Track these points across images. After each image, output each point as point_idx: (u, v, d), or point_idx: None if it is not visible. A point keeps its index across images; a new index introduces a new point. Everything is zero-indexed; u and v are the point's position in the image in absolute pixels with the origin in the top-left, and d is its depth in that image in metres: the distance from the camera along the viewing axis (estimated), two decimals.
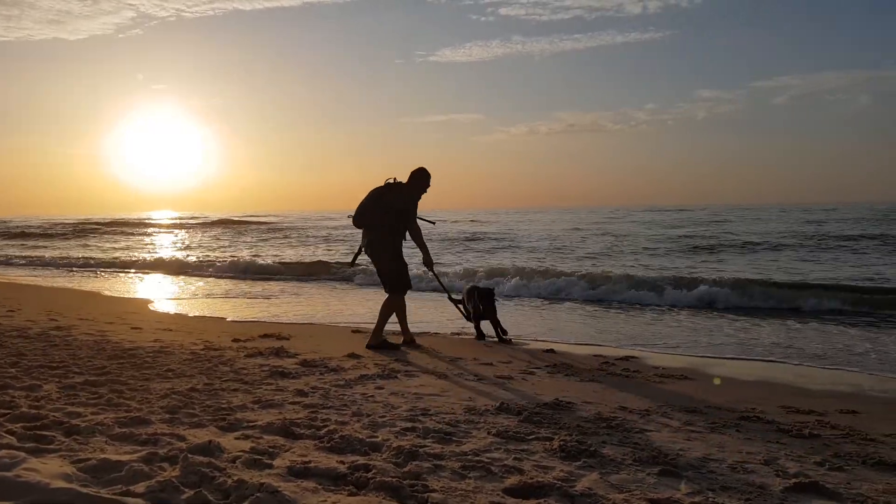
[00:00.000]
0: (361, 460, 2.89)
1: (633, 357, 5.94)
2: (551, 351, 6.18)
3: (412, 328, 6.67)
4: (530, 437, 3.38)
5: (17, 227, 51.28)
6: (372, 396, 4.23)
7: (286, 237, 34.44)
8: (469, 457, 3.01)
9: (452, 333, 7.38)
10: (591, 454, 3.10)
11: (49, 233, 42.51)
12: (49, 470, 2.45)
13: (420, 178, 6.42)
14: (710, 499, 2.59)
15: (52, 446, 2.86)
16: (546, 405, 4.05)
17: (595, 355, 6.00)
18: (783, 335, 7.30)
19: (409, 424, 3.53)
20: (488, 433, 3.43)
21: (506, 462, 2.95)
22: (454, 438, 3.32)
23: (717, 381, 3.39)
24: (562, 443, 3.23)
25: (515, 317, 8.85)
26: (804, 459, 3.13)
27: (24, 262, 22.23)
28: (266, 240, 32.78)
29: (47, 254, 25.26)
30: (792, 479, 2.81)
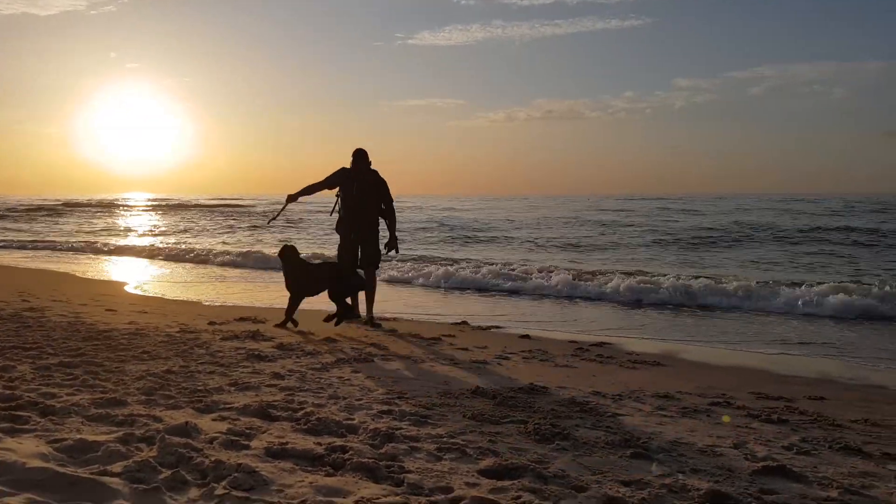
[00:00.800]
0: (338, 442, 2.91)
1: (607, 343, 6.03)
2: (527, 337, 6.25)
3: (389, 312, 6.81)
4: (505, 420, 3.43)
5: None
6: (348, 380, 4.25)
7: (257, 221, 34.14)
8: (444, 439, 3.05)
9: (428, 319, 7.41)
10: (564, 437, 3.16)
11: (18, 214, 41.66)
12: (25, 450, 2.44)
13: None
14: (680, 480, 2.66)
15: (27, 426, 2.84)
16: (521, 389, 4.11)
17: (570, 341, 6.08)
18: (758, 325, 7.47)
19: (385, 407, 3.56)
20: (463, 416, 3.47)
21: (481, 444, 3.00)
22: (430, 421, 3.36)
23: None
24: (536, 426, 3.28)
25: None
26: (772, 444, 3.22)
27: None
28: (237, 224, 32.47)
29: (17, 235, 24.76)
30: (760, 462, 2.90)
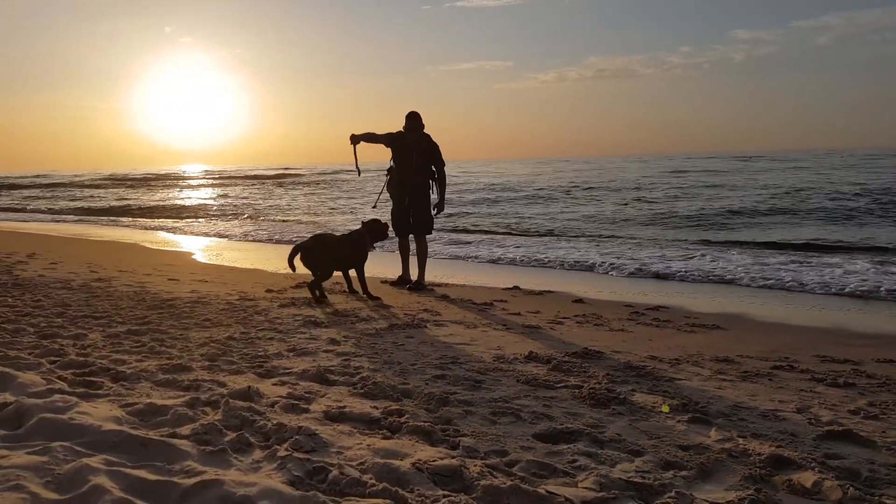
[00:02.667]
0: (394, 406, 2.97)
1: (663, 307, 5.92)
2: (580, 301, 6.18)
3: (443, 276, 6.93)
4: (559, 384, 3.43)
5: (46, 181, 52.39)
6: (402, 345, 4.31)
7: (313, 191, 34.63)
8: (499, 403, 3.07)
9: (480, 284, 7.43)
10: (620, 402, 3.13)
11: (78, 186, 43.41)
12: (100, 413, 2.57)
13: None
14: (741, 445, 2.61)
15: (101, 391, 2.99)
16: (575, 354, 4.09)
17: (625, 304, 5.99)
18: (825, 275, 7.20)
19: (439, 372, 3.60)
20: (517, 381, 3.48)
21: (535, 409, 3.01)
22: (484, 386, 3.38)
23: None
24: (591, 390, 3.26)
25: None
26: (838, 408, 3.12)
27: (52, 215, 22.79)
28: (297, 193, 33.01)
29: (79, 205, 25.86)
30: (825, 426, 2.81)
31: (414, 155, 6.90)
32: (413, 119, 6.88)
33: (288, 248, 6.30)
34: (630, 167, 47.51)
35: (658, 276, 7.94)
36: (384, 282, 7.25)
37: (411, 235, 7.12)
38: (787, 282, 7.18)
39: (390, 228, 6.79)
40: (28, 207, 27.33)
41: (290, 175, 53.02)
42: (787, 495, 2.23)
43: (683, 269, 8.11)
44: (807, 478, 2.33)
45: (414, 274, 7.09)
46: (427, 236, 7.15)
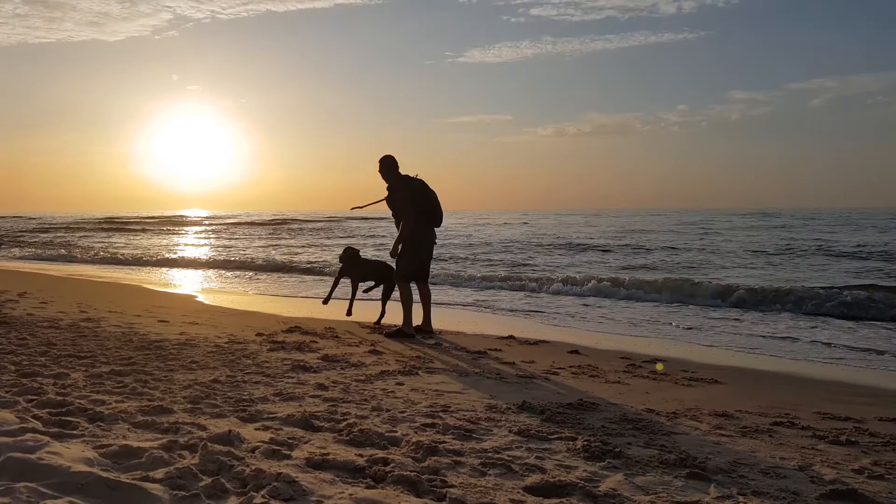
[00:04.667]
0: (380, 454, 2.85)
1: (661, 359, 5.81)
2: (576, 352, 6.08)
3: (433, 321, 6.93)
4: (553, 436, 3.31)
5: (53, 223, 52.57)
6: (392, 392, 4.20)
7: (311, 235, 34.72)
8: (489, 454, 2.95)
9: (474, 333, 7.32)
10: (615, 455, 3.02)
11: (82, 228, 43.48)
12: (71, 454, 2.45)
13: None
14: (741, 502, 2.50)
15: (75, 432, 2.87)
16: (569, 405, 3.97)
17: (621, 357, 5.89)
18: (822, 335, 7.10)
19: (428, 420, 3.48)
20: (509, 431, 3.36)
21: (527, 460, 2.89)
22: (474, 436, 3.26)
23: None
24: (585, 443, 3.15)
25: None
26: (841, 466, 3.01)
27: (54, 255, 22.72)
28: (291, 237, 33.07)
29: (80, 245, 25.81)
30: (828, 485, 2.70)
31: (433, 198, 7.04)
32: (380, 167, 7.07)
33: (283, 293, 6.22)
34: (643, 221, 47.46)
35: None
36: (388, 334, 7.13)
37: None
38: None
39: None
40: (27, 248, 27.29)
41: (287, 221, 53.20)
42: None
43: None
44: None
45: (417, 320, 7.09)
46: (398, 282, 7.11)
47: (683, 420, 3.77)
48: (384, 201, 7.11)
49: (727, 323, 8.48)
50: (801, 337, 7.37)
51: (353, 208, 7.61)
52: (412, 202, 6.88)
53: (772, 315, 9.15)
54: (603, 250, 22.29)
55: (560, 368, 5.27)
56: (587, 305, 10.30)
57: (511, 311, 9.68)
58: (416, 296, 7.04)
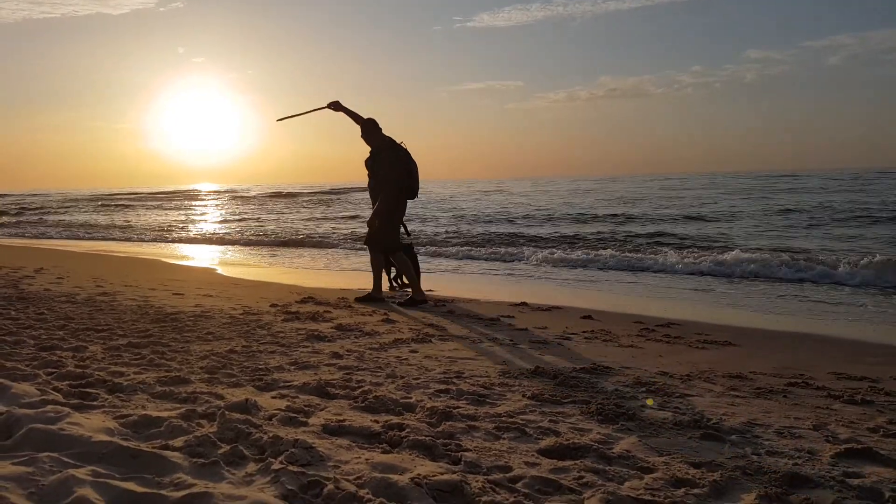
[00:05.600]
0: (395, 420, 2.88)
1: (674, 322, 5.80)
2: (589, 317, 6.08)
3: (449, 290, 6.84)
4: (566, 400, 3.33)
5: (65, 199, 52.95)
6: (406, 359, 4.22)
7: (324, 207, 34.75)
8: (503, 418, 2.97)
9: (486, 299, 7.34)
10: (629, 417, 3.03)
11: (93, 205, 43.78)
12: (92, 424, 2.50)
13: None
14: (755, 462, 2.50)
15: (95, 403, 2.92)
16: (583, 370, 3.99)
17: (635, 321, 5.88)
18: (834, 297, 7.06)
19: (442, 387, 3.51)
20: (523, 396, 3.38)
21: (541, 424, 2.91)
22: (488, 400, 3.28)
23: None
24: (599, 406, 3.16)
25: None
26: (856, 425, 3.00)
27: (67, 231, 22.93)
28: (302, 209, 33.13)
29: (94, 221, 26.02)
30: (843, 444, 2.70)
31: (413, 165, 6.89)
32: (362, 131, 6.92)
33: (293, 266, 6.25)
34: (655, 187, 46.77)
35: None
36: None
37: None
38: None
39: None
40: (39, 224, 27.54)
41: (295, 195, 53.23)
42: None
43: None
44: (825, 497, 2.22)
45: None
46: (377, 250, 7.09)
47: (697, 382, 3.77)
48: (366, 165, 6.96)
49: (743, 284, 8.44)
50: (818, 298, 7.33)
51: (279, 119, 7.52)
52: (395, 172, 6.77)
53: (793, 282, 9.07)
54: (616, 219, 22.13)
55: (573, 333, 5.27)
56: (602, 270, 10.28)
57: (527, 277, 9.69)
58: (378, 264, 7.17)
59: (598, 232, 16.76)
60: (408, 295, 7.04)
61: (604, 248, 12.55)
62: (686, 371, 4.03)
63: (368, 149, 6.95)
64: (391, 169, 6.76)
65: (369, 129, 6.87)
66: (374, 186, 6.93)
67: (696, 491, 2.25)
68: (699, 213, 21.59)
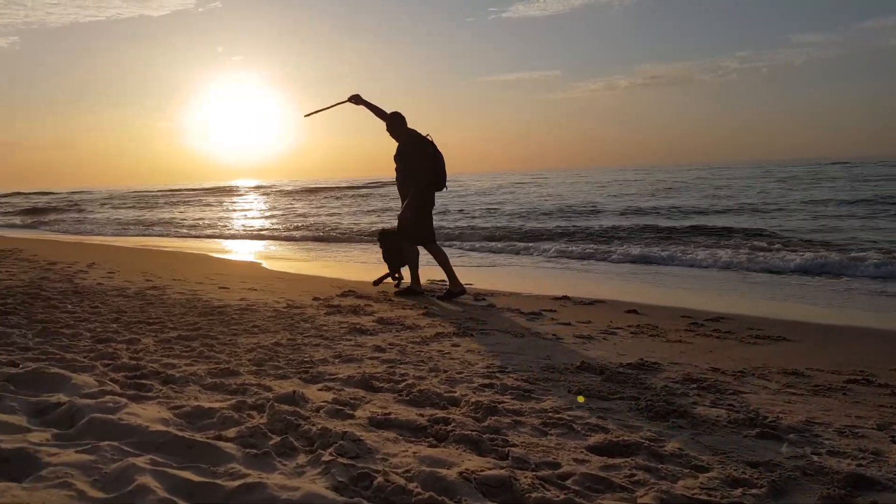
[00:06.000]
0: (440, 414, 2.87)
1: (724, 317, 5.66)
2: (633, 311, 5.98)
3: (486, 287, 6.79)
4: (614, 396, 3.27)
5: (111, 195, 54.57)
6: (448, 353, 4.22)
7: (362, 201, 35.03)
8: (549, 414, 2.94)
9: (527, 293, 7.28)
10: (680, 414, 2.96)
11: (138, 200, 45.00)
12: (148, 414, 2.56)
13: None
14: (816, 463, 2.42)
15: (150, 394, 2.99)
16: (630, 365, 3.92)
17: (682, 315, 5.76)
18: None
19: (486, 381, 3.49)
20: (569, 391, 3.34)
21: (589, 420, 2.87)
22: (533, 396, 3.25)
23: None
24: (648, 402, 3.10)
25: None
26: None
27: (114, 228, 23.62)
28: (343, 204, 33.46)
29: (140, 217, 26.76)
30: None
31: (396, 162, 6.92)
32: (388, 124, 6.89)
33: (335, 259, 6.30)
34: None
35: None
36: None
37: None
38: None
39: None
40: (87, 220, 28.44)
41: (335, 189, 53.76)
42: None
43: None
44: (893, 501, 2.13)
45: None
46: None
47: (751, 379, 3.67)
48: (395, 161, 6.94)
49: (794, 277, 8.19)
50: (876, 290, 7.07)
51: (306, 115, 7.47)
52: (422, 166, 6.75)
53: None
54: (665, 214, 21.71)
55: (618, 328, 5.19)
56: (649, 264, 10.12)
57: (567, 269, 9.59)
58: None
59: (644, 226, 16.45)
60: (444, 288, 7.03)
61: (657, 243, 12.30)
62: (739, 367, 3.92)
63: (395, 143, 6.97)
64: (419, 162, 6.74)
65: (395, 123, 6.87)
66: (403, 180, 6.91)
67: (753, 491, 2.19)
68: (752, 205, 20.96)
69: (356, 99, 6.90)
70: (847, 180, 30.86)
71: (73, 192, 78.83)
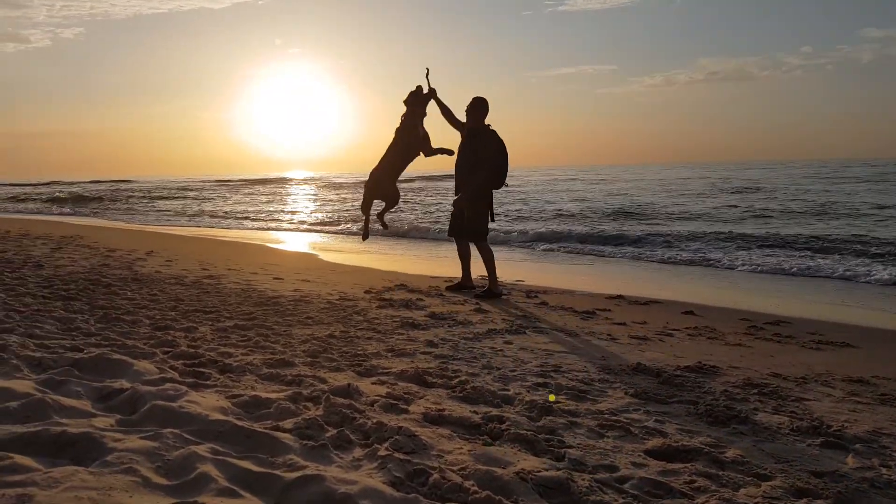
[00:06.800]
0: (494, 412, 2.86)
1: (784, 320, 5.47)
2: (690, 312, 5.83)
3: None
4: (672, 399, 3.20)
5: (177, 186, 56.30)
6: (501, 350, 4.20)
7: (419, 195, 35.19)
8: (606, 416, 2.89)
9: (581, 291, 7.18)
10: (741, 420, 2.88)
11: (194, 191, 46.28)
12: (207, 403, 2.62)
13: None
14: (885, 475, 2.31)
15: (208, 382, 3.06)
16: (688, 368, 3.82)
17: (741, 318, 5.59)
18: None
19: (540, 380, 3.45)
20: (625, 393, 3.28)
21: (646, 424, 2.81)
22: (589, 397, 3.20)
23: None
24: (708, 407, 3.02)
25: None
26: None
27: (172, 216, 24.35)
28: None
29: (196, 208, 27.53)
30: None
31: (472, 143, 6.58)
32: (476, 109, 6.60)
33: (384, 252, 6.32)
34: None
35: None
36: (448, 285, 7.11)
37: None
38: None
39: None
40: (146, 210, 29.42)
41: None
42: None
43: None
44: None
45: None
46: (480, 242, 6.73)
47: (814, 386, 3.53)
48: (452, 152, 6.68)
49: (858, 281, 7.86)
50: None
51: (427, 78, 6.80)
52: (498, 156, 6.52)
53: None
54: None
55: (674, 329, 5.07)
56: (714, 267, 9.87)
57: (618, 269, 9.43)
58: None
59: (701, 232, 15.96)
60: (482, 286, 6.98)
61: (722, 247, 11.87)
62: (801, 373, 3.79)
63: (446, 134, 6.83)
64: (496, 152, 6.53)
65: (479, 107, 6.65)
66: (463, 165, 6.62)
67: (819, 502, 2.11)
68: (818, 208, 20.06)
69: (432, 92, 6.69)
70: None
71: (133, 181, 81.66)
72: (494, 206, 6.87)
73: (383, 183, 6.69)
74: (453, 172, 6.84)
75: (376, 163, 6.71)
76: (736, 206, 20.66)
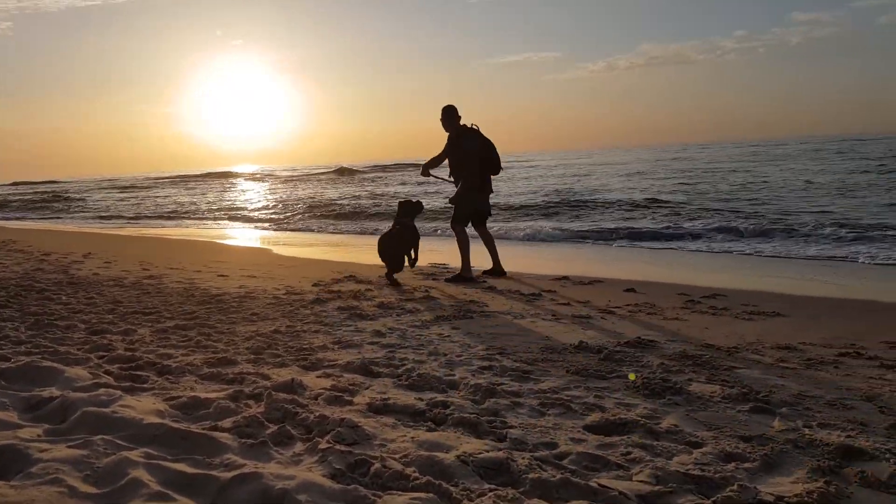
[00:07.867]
0: (439, 397, 2.88)
1: (720, 293, 5.67)
2: (632, 290, 5.99)
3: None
4: (611, 374, 3.29)
5: (112, 185, 54.39)
6: (448, 336, 4.23)
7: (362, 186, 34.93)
8: (548, 394, 2.95)
9: (529, 274, 7.29)
10: (676, 391, 2.98)
11: (134, 189, 44.86)
12: (143, 407, 2.56)
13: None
14: (807, 435, 2.44)
15: (146, 385, 3.00)
16: (627, 343, 3.93)
17: (679, 293, 5.77)
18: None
19: (485, 363, 3.50)
20: (567, 371, 3.36)
21: (586, 400, 2.88)
22: (532, 377, 3.27)
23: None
24: (645, 380, 3.12)
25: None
26: None
27: (110, 216, 23.56)
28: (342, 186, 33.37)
29: (137, 206, 26.69)
30: None
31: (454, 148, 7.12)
32: (442, 118, 7.26)
33: (332, 244, 6.28)
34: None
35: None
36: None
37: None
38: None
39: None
40: (78, 209, 28.37)
41: (349, 170, 53.51)
42: (860, 488, 2.06)
43: None
44: (882, 470, 2.15)
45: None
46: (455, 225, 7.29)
47: (745, 354, 3.69)
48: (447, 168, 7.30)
49: (788, 251, 8.19)
50: (868, 263, 7.08)
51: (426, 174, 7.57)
52: (478, 150, 7.03)
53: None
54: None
55: (616, 307, 5.20)
56: (654, 250, 10.12)
57: (567, 251, 9.59)
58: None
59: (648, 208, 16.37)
60: (444, 271, 7.05)
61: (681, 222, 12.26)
62: (733, 343, 3.94)
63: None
64: (481, 147, 7.03)
65: (447, 116, 7.22)
66: (456, 164, 7.15)
67: (746, 465, 2.21)
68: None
69: (424, 172, 7.38)
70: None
71: (70, 181, 78.55)
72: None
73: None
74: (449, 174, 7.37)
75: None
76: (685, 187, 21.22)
